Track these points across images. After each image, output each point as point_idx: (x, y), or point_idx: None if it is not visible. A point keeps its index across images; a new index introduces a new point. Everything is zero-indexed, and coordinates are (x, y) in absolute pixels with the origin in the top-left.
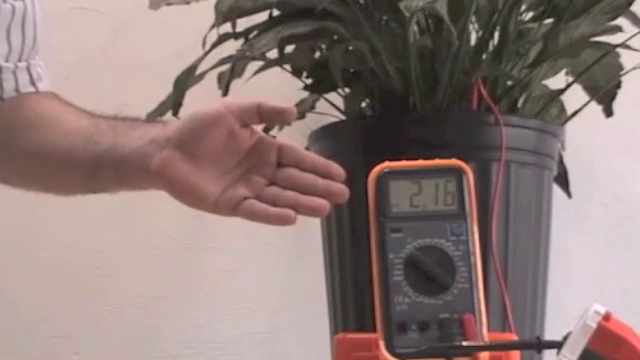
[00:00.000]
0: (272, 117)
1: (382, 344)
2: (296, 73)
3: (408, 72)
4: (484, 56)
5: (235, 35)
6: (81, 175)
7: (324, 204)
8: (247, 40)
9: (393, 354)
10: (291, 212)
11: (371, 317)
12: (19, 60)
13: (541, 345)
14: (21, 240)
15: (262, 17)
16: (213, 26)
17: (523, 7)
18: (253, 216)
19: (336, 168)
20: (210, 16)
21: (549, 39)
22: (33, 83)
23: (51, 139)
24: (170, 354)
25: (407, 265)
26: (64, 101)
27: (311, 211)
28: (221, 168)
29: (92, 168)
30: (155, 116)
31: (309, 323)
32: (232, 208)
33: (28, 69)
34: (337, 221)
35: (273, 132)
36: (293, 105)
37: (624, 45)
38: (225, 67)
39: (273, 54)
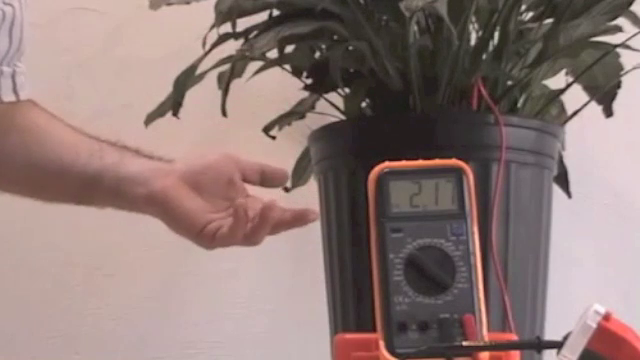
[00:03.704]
0: (272, 179)
1: (382, 344)
2: (296, 73)
3: (408, 72)
4: (484, 56)
5: (235, 35)
6: (76, 185)
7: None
8: (247, 40)
9: (393, 354)
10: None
11: (371, 317)
12: (2, 64)
13: (541, 345)
14: (21, 240)
15: (262, 17)
16: (213, 26)
17: (523, 7)
18: (228, 237)
19: (313, 212)
20: (210, 16)
21: (549, 39)
22: (15, 91)
23: (49, 148)
24: (170, 354)
25: (407, 265)
26: (48, 112)
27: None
28: (214, 207)
29: (91, 180)
30: (155, 116)
31: (309, 323)
32: (211, 239)
33: (13, 77)
34: (337, 221)
35: (273, 132)
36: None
37: (624, 45)
38: (225, 67)
39: (273, 54)
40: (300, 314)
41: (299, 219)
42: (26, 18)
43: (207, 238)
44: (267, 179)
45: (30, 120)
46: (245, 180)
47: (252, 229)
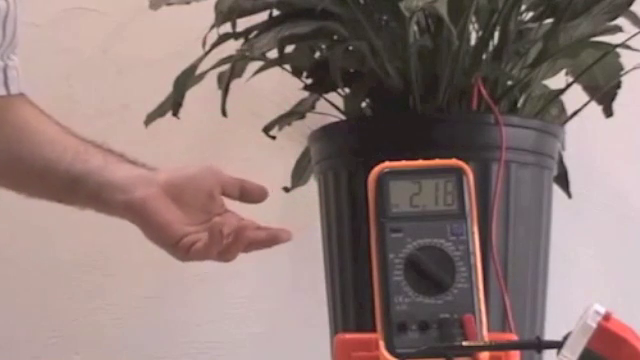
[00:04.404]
0: (251, 194)
1: (382, 344)
2: (296, 73)
3: (408, 72)
4: (484, 56)
5: (235, 35)
6: (59, 185)
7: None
8: (247, 40)
9: (393, 354)
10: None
11: (371, 317)
12: None
13: (541, 345)
14: (21, 240)
15: (262, 17)
16: (213, 26)
17: (523, 7)
18: (202, 252)
19: (286, 232)
20: (210, 16)
21: (549, 39)
22: (6, 85)
23: (40, 145)
24: (170, 354)
25: (407, 265)
26: (39, 108)
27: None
28: (192, 220)
29: (74, 181)
30: (155, 116)
31: (309, 323)
32: (185, 252)
33: (5, 70)
34: (337, 221)
35: (273, 132)
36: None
37: (624, 45)
38: (225, 67)
39: (273, 54)
40: (300, 314)
41: (272, 240)
42: (20, 12)
43: (182, 251)
44: (246, 194)
45: (22, 116)
46: (225, 194)
47: (226, 246)
